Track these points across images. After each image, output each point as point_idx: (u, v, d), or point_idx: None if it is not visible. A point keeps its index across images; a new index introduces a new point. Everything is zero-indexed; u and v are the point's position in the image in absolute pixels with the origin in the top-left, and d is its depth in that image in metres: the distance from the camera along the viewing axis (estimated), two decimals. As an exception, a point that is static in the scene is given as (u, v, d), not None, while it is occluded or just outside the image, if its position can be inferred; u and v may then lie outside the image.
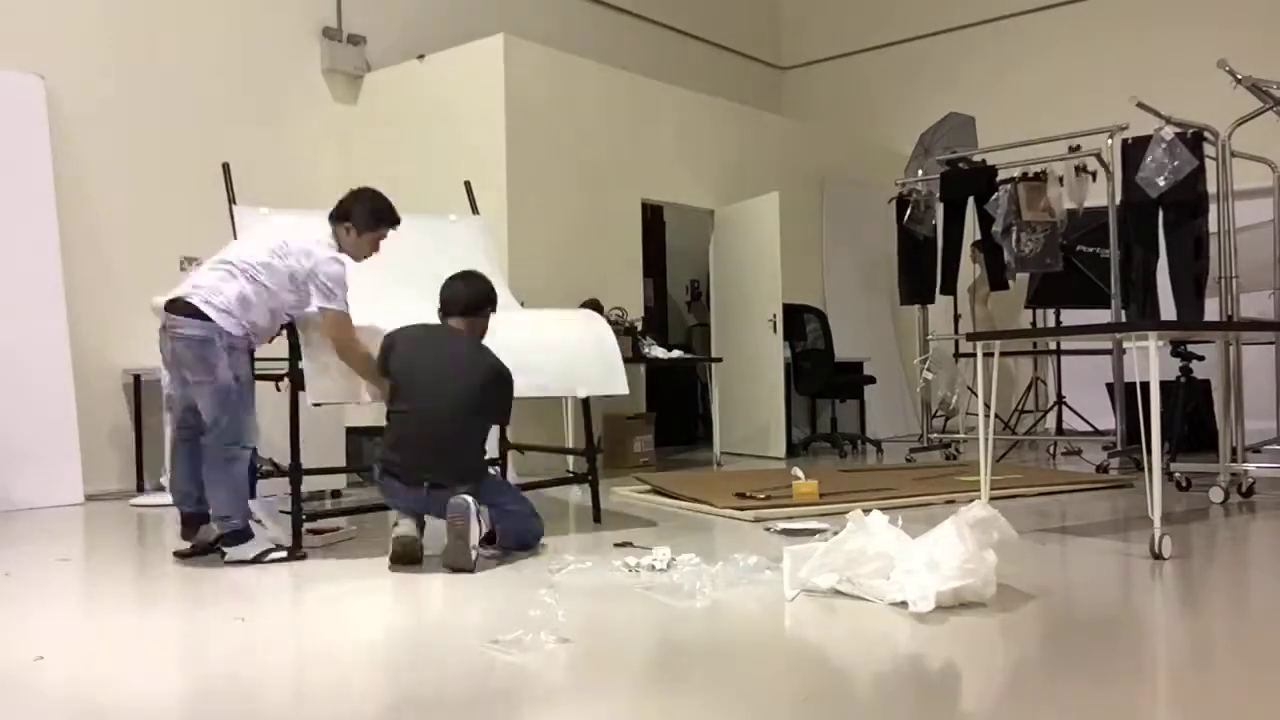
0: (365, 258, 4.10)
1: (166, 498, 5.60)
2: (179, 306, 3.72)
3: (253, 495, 4.84)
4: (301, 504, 4.03)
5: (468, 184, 5.55)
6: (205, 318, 3.67)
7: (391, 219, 4.10)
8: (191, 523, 3.93)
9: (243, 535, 3.79)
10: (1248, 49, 7.11)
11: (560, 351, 4.56)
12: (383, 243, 4.19)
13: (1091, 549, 3.95)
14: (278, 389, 5.97)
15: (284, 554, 3.83)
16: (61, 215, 5.92)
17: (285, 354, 4.12)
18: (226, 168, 4.82)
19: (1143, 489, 3.99)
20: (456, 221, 5.26)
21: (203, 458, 3.78)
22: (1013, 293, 7.89)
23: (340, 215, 4.02)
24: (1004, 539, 3.09)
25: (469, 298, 4.04)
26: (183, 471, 3.92)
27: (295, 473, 4.01)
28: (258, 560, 3.77)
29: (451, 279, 4.09)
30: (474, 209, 5.48)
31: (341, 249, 3.99)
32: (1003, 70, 9.81)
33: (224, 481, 3.74)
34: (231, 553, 3.77)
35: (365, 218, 4.02)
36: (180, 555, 3.90)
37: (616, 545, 4.01)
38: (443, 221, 5.22)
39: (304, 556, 3.87)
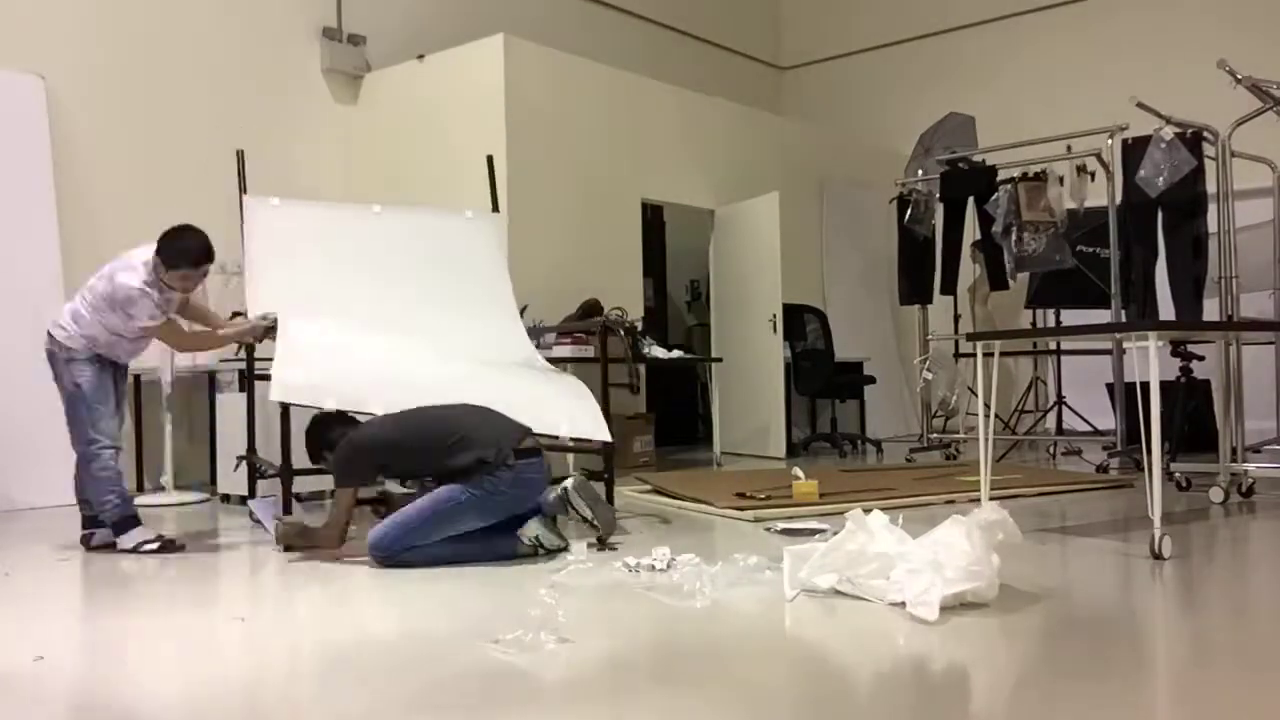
0: (182, 292, 4.20)
1: (167, 497, 5.63)
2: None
3: (252, 494, 4.86)
4: (295, 503, 4.09)
5: (490, 158, 5.57)
6: (50, 336, 4.11)
7: (189, 261, 4.09)
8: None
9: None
10: (1248, 49, 7.11)
11: (545, 399, 4.49)
12: (375, 236, 4.37)
13: (1091, 549, 3.94)
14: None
15: (156, 544, 4.08)
16: (61, 215, 5.92)
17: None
18: (240, 155, 4.81)
19: (1143, 489, 3.99)
20: (473, 219, 5.27)
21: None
22: (1013, 293, 7.89)
23: (157, 247, 4.12)
24: (1008, 539, 3.09)
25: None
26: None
27: (285, 474, 4.05)
28: (136, 550, 4.07)
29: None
30: (493, 187, 5.50)
31: (160, 278, 4.10)
32: (1003, 70, 9.82)
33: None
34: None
35: (168, 255, 4.08)
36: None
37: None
38: (448, 219, 5.22)
39: (182, 548, 4.12)
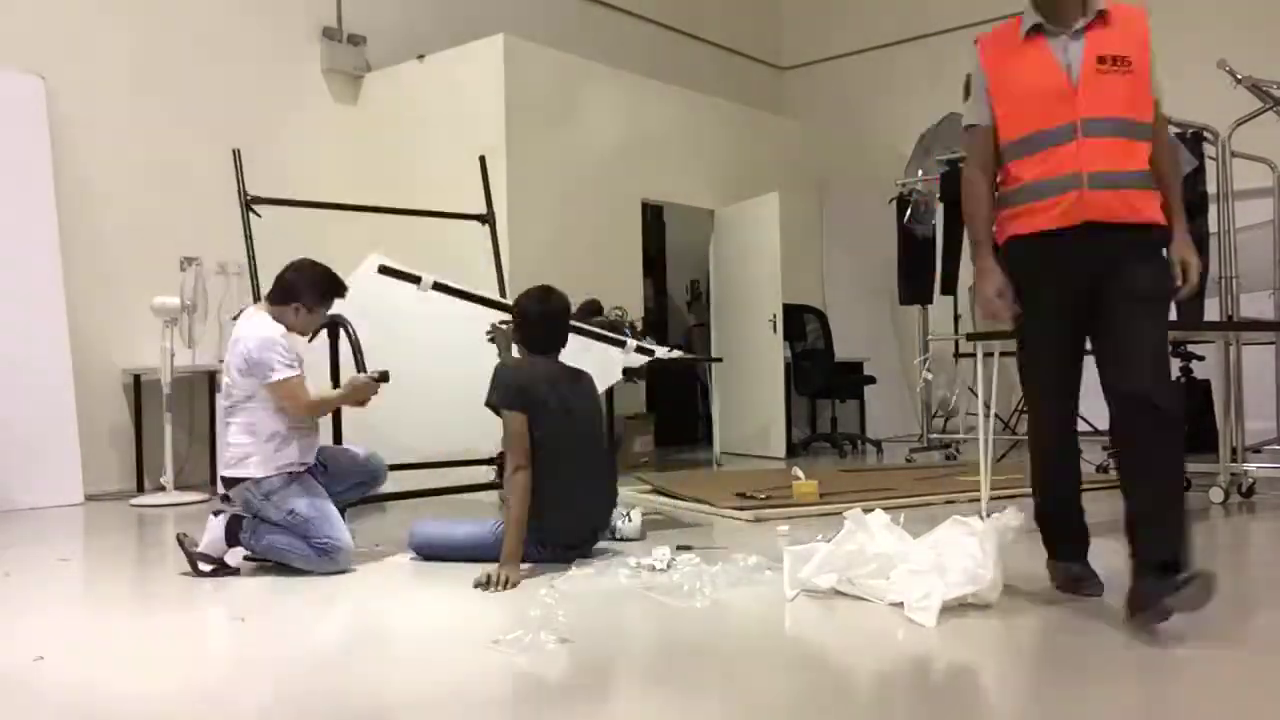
0: (313, 332, 3.94)
1: (166, 497, 5.63)
2: None
3: None
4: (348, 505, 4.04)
5: (482, 159, 5.59)
6: None
7: (341, 290, 3.84)
8: None
9: None
10: (1248, 49, 7.11)
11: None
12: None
13: (1091, 549, 3.94)
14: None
15: None
16: (61, 215, 5.92)
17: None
18: (237, 154, 4.80)
19: (1143, 489, 3.98)
20: None
21: None
22: (1013, 293, 7.87)
23: (285, 296, 3.75)
24: (1016, 541, 3.08)
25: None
26: None
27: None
28: None
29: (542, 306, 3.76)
30: (486, 187, 5.51)
31: (289, 329, 3.74)
32: (1003, 70, 9.80)
33: None
34: None
35: (313, 293, 3.76)
36: None
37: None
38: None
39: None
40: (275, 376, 3.59)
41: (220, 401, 3.87)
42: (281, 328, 3.70)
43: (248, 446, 3.64)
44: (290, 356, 3.64)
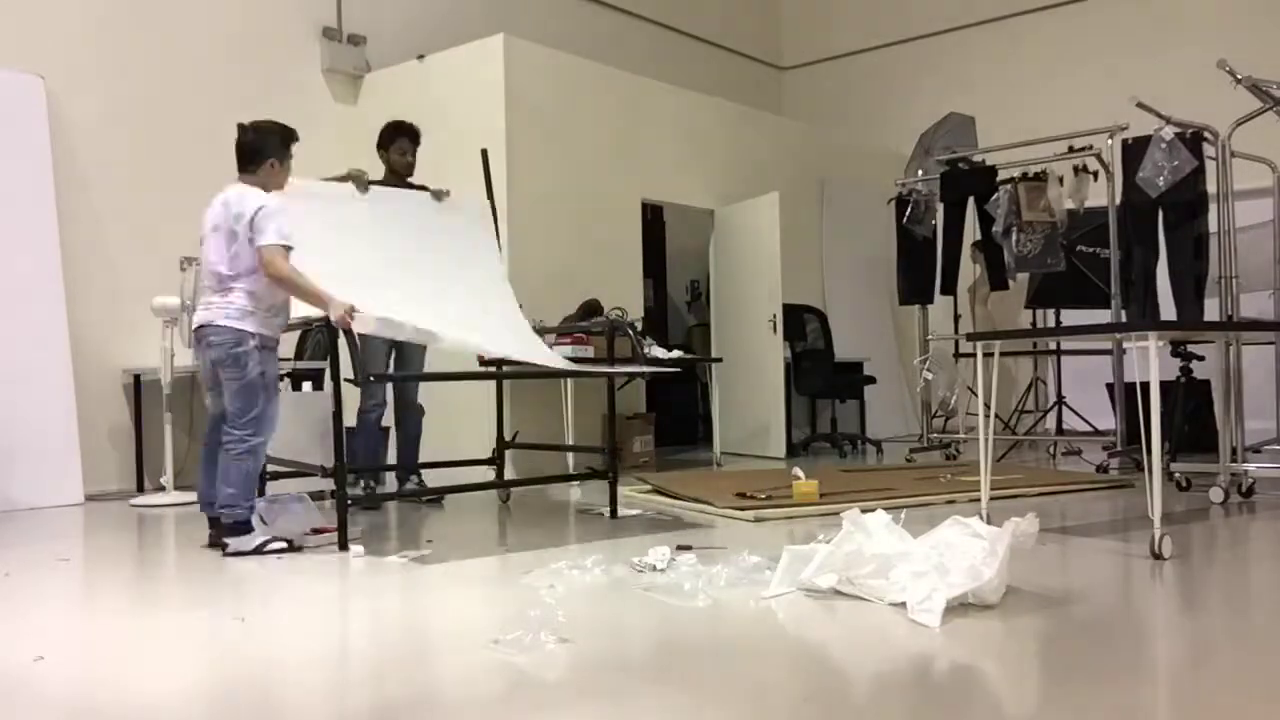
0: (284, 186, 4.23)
1: (166, 498, 5.63)
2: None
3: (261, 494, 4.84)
4: (348, 501, 4.10)
5: (484, 151, 5.58)
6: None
7: (295, 135, 4.21)
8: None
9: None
10: (1248, 49, 7.11)
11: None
12: (377, 220, 4.70)
13: (1091, 549, 3.94)
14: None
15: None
16: (61, 215, 5.92)
17: (287, 354, 4.13)
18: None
19: (1143, 489, 3.99)
20: (451, 201, 5.34)
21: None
22: (1013, 293, 7.89)
23: (256, 157, 4.08)
24: (1023, 546, 3.07)
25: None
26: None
27: (340, 473, 4.07)
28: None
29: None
30: (488, 180, 5.52)
31: (268, 189, 4.07)
32: (1003, 70, 9.82)
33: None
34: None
35: (279, 147, 4.12)
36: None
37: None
38: (428, 201, 5.29)
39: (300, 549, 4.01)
40: (267, 240, 3.90)
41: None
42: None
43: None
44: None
